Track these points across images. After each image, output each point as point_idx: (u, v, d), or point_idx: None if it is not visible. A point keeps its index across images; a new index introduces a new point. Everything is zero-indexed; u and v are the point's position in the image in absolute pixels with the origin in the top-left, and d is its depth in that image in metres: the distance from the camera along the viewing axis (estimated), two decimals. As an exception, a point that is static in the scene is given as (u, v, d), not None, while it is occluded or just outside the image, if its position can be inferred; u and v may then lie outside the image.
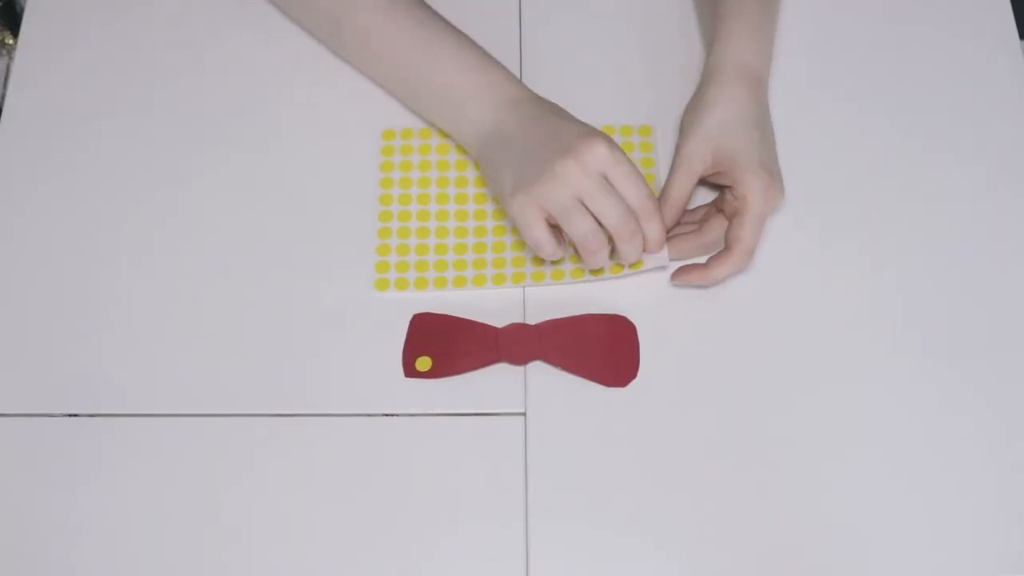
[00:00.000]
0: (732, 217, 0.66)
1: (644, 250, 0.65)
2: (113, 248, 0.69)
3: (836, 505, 0.62)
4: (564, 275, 0.67)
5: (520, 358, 0.65)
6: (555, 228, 0.63)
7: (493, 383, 0.65)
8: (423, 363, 0.65)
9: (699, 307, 0.67)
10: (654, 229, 0.64)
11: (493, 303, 0.67)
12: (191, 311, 0.67)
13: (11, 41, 1.02)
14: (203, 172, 0.71)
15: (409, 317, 0.66)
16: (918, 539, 0.62)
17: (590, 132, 0.63)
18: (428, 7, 0.70)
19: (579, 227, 0.62)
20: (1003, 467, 0.64)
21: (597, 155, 0.61)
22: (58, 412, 0.64)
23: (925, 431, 0.64)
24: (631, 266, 0.66)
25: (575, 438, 0.64)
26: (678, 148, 0.67)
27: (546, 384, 0.65)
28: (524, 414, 0.64)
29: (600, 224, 0.62)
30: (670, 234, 0.67)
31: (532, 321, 0.66)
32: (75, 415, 0.64)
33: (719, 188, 0.68)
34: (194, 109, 0.73)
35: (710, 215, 0.68)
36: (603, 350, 0.65)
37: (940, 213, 0.71)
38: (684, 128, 0.67)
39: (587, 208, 0.62)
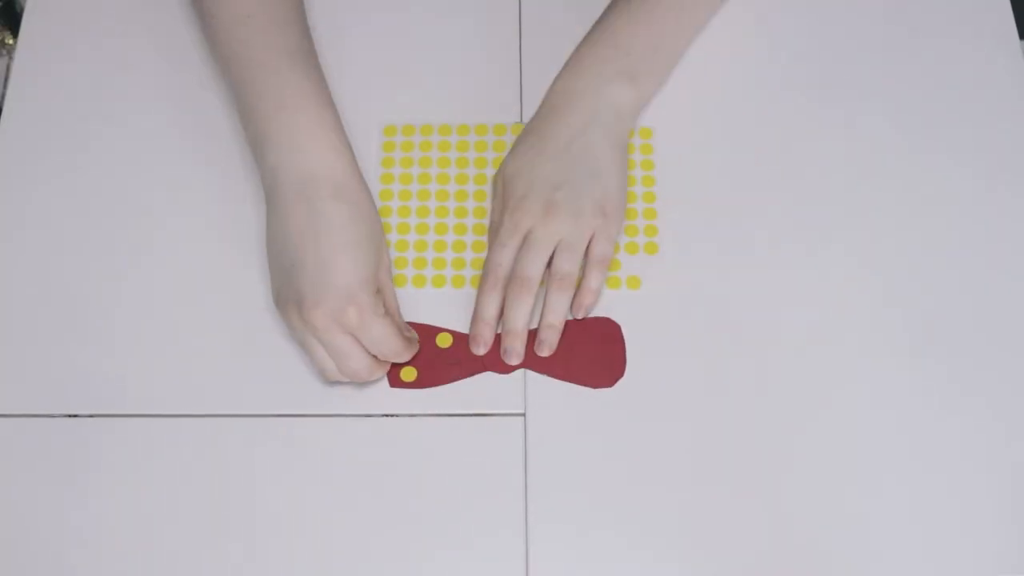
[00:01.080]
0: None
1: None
2: (113, 248, 0.69)
3: (836, 505, 0.62)
4: None
5: (506, 367, 0.65)
6: None
7: (493, 384, 0.65)
8: (408, 373, 0.65)
9: (689, 308, 0.67)
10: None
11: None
12: (191, 311, 0.67)
13: (11, 41, 1.02)
14: (203, 171, 0.71)
15: (410, 318, 0.66)
16: (917, 539, 0.62)
17: (345, 292, 0.60)
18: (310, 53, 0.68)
19: (344, 363, 0.61)
20: (1003, 467, 0.64)
21: (347, 318, 0.59)
22: (58, 412, 0.64)
23: (923, 431, 0.64)
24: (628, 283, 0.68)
25: (575, 438, 0.64)
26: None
27: (546, 385, 0.65)
28: (524, 414, 0.64)
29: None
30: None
31: None
32: (75, 415, 0.64)
33: None
34: (194, 108, 0.73)
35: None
36: (589, 353, 0.66)
37: (940, 213, 0.71)
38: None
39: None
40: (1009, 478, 0.63)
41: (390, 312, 0.64)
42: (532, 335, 0.66)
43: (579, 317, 0.66)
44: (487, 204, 0.70)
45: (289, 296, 0.61)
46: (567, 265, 0.64)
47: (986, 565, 0.61)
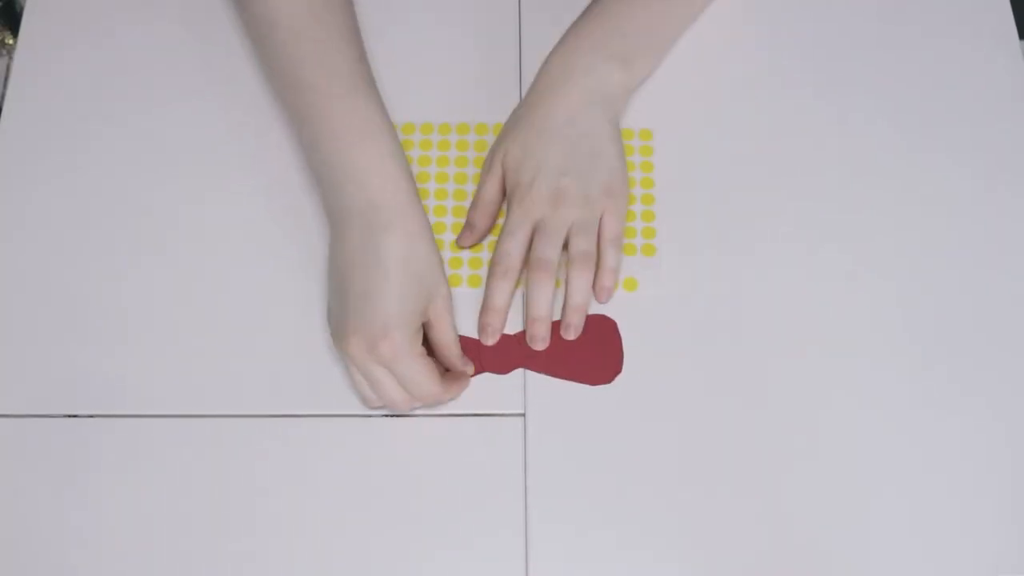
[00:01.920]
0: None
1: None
2: (113, 248, 0.69)
3: (837, 505, 0.62)
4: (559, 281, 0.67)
5: (503, 368, 0.65)
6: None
7: (492, 384, 0.65)
8: None
9: (689, 308, 0.67)
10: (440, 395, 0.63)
11: (475, 312, 0.67)
12: (191, 311, 0.67)
13: (11, 41, 1.02)
14: (203, 171, 0.71)
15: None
16: (917, 539, 0.62)
17: (385, 324, 0.59)
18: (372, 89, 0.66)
19: (383, 396, 0.62)
20: (1003, 467, 0.64)
21: (384, 350, 0.59)
22: (58, 412, 0.64)
23: (923, 430, 0.64)
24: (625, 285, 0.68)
25: (575, 438, 0.64)
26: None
27: (545, 385, 0.65)
28: (524, 415, 0.64)
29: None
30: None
31: (514, 329, 0.66)
32: (75, 415, 0.64)
33: None
34: (195, 107, 0.73)
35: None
36: (586, 351, 0.66)
37: (939, 213, 0.71)
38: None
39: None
40: (1009, 478, 0.63)
41: (440, 347, 0.64)
42: (525, 335, 0.66)
43: (603, 301, 0.66)
44: None
45: (333, 321, 0.62)
46: (584, 245, 0.65)
47: (986, 565, 0.61)
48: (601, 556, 0.61)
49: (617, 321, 0.66)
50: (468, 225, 0.68)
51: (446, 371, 0.64)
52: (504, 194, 0.68)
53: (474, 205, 0.69)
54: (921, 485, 0.63)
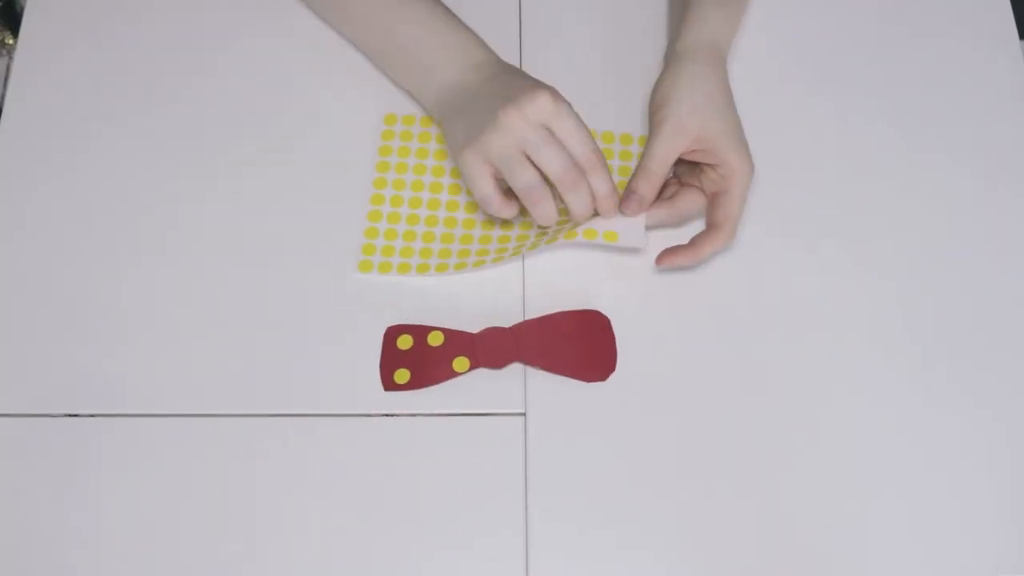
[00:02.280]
0: (717, 195, 0.66)
1: (596, 207, 0.64)
2: (113, 248, 0.69)
3: (837, 504, 0.62)
4: (537, 243, 0.67)
5: (497, 362, 0.65)
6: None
7: (493, 383, 0.65)
8: (401, 375, 0.65)
9: (689, 308, 0.67)
10: (600, 183, 0.63)
11: (468, 306, 0.67)
12: (191, 311, 0.67)
13: (11, 41, 1.02)
14: (203, 169, 0.71)
15: (396, 308, 0.66)
16: (917, 539, 0.62)
17: (535, 85, 0.63)
18: None
19: (520, 178, 0.62)
20: (1003, 467, 0.64)
21: (539, 106, 0.61)
22: (58, 412, 0.64)
23: (923, 430, 0.64)
24: (605, 236, 0.66)
25: (575, 438, 0.64)
26: (659, 124, 0.65)
27: (546, 384, 0.65)
28: (524, 414, 0.64)
29: (545, 176, 0.62)
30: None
31: (507, 323, 0.66)
32: (75, 415, 0.64)
33: (686, 165, 0.68)
34: (194, 105, 0.73)
35: (679, 191, 0.68)
36: (580, 346, 0.66)
37: (939, 213, 0.71)
38: (661, 104, 0.66)
39: (530, 159, 0.62)
40: (1009, 478, 0.63)
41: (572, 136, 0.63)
42: (522, 327, 0.66)
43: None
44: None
45: (477, 125, 0.63)
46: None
47: (986, 565, 0.61)
48: (601, 556, 0.61)
49: (616, 320, 0.66)
50: (639, 197, 0.66)
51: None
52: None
53: (648, 175, 0.66)
54: (921, 485, 0.63)
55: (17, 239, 0.69)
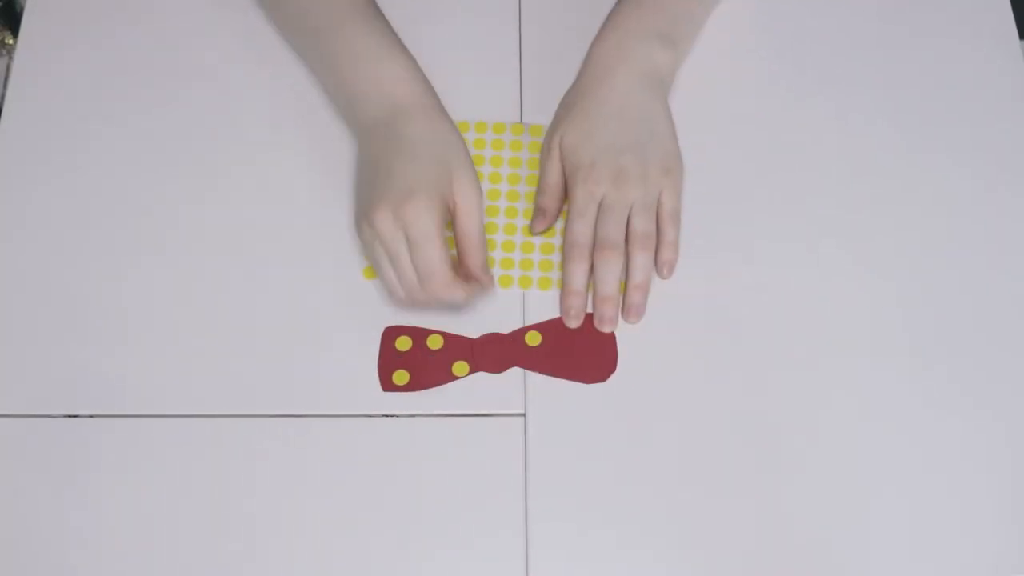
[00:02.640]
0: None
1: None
2: (113, 248, 0.69)
3: (837, 504, 0.62)
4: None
5: (496, 367, 0.65)
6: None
7: (492, 384, 0.65)
8: (400, 377, 0.65)
9: (689, 308, 0.67)
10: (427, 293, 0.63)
11: (467, 311, 0.67)
12: (191, 311, 0.67)
13: (11, 41, 1.02)
14: (203, 170, 0.71)
15: (388, 312, 0.66)
16: (917, 539, 0.62)
17: (410, 191, 0.61)
18: None
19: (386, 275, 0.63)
20: (1003, 467, 0.64)
21: (407, 212, 0.61)
22: (58, 412, 0.64)
23: (923, 430, 0.64)
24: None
25: (575, 438, 0.64)
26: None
27: (546, 385, 0.65)
28: (524, 415, 0.64)
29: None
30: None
31: (506, 329, 0.66)
32: (75, 415, 0.64)
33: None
34: (194, 105, 0.73)
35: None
36: (579, 349, 0.66)
37: (939, 214, 0.71)
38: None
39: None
40: (1009, 478, 0.63)
41: (463, 237, 0.64)
42: (521, 332, 0.66)
43: (665, 276, 0.67)
44: (495, 203, 0.70)
45: (361, 209, 0.63)
46: (645, 224, 0.66)
47: (986, 565, 0.61)
48: (601, 556, 0.61)
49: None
50: (539, 211, 0.69)
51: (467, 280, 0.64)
52: (565, 178, 0.69)
53: (540, 191, 0.69)
54: (921, 485, 0.63)
55: (17, 239, 0.69)
